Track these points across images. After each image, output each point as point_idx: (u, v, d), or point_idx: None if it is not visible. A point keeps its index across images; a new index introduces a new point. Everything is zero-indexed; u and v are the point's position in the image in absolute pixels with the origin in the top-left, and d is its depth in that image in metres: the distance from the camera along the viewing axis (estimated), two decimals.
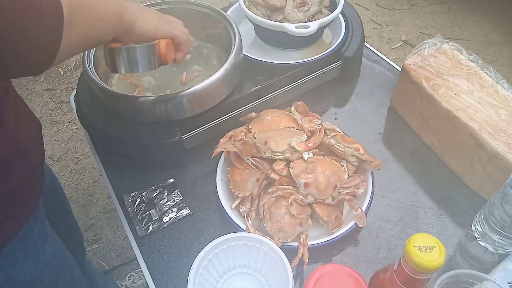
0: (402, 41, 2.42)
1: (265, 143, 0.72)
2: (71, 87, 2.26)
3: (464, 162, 0.76)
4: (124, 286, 1.40)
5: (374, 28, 2.52)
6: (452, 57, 0.80)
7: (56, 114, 2.14)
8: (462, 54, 0.81)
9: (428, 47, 0.81)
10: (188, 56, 0.93)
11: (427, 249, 0.42)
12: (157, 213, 0.75)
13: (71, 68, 2.36)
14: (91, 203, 1.81)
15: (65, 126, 2.08)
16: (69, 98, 0.98)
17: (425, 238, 0.43)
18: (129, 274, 1.48)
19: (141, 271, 1.54)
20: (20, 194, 0.58)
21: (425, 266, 0.41)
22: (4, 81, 0.56)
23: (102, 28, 0.52)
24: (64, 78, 2.31)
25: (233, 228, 0.70)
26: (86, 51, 0.81)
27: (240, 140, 0.74)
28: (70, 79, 2.30)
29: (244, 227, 0.69)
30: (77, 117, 0.88)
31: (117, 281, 1.38)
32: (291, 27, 0.83)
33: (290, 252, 0.65)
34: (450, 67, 0.79)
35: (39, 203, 0.65)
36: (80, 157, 1.96)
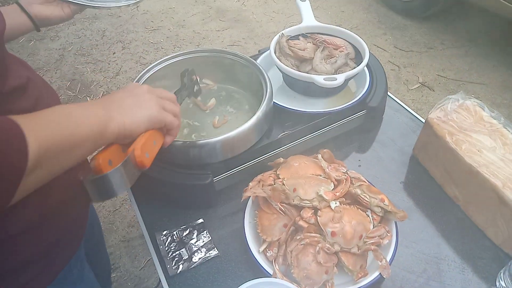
0: (419, 82, 2.47)
1: (294, 190, 0.75)
2: None
3: (487, 217, 0.78)
4: None
5: (392, 69, 2.58)
6: (475, 113, 0.83)
7: None
8: (484, 110, 0.84)
9: (451, 102, 0.84)
10: (212, 100, 0.98)
11: None
12: (187, 253, 0.78)
13: (99, 97, 2.46)
14: (111, 231, 1.84)
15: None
16: None
17: None
18: None
19: None
20: (64, 239, 0.62)
21: None
22: None
23: (74, 158, 0.47)
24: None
25: (259, 271, 0.73)
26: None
27: (269, 185, 0.78)
28: None
29: (270, 271, 0.72)
30: None
31: None
32: (319, 79, 0.88)
33: None
34: (473, 123, 0.82)
35: (80, 244, 0.69)
36: None
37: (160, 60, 0.95)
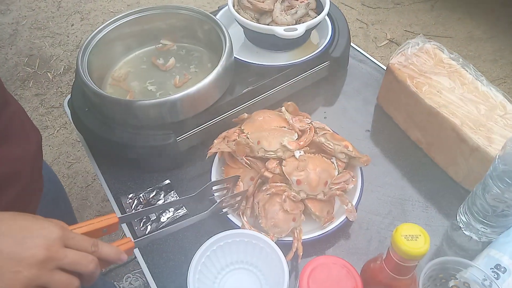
0: (387, 39, 2.47)
1: (258, 142, 0.74)
2: (60, 91, 2.26)
3: (448, 156, 0.80)
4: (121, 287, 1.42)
5: (360, 27, 2.56)
6: (434, 56, 0.84)
7: (47, 119, 2.13)
8: (443, 52, 0.84)
9: (411, 46, 0.84)
10: (171, 59, 0.95)
11: (413, 238, 0.45)
12: (155, 214, 0.77)
13: (60, 72, 2.36)
14: (85, 207, 1.81)
15: (56, 131, 2.08)
16: (62, 103, 0.99)
17: (410, 228, 0.46)
18: (126, 275, 1.50)
19: (138, 272, 1.55)
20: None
21: (412, 253, 0.44)
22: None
23: None
24: (54, 83, 2.30)
25: (229, 226, 0.73)
26: (80, 56, 0.82)
27: (234, 141, 0.77)
28: (60, 83, 2.30)
29: (239, 224, 0.72)
30: (70, 122, 0.90)
31: (114, 282, 1.40)
32: (279, 30, 0.85)
33: (284, 247, 0.68)
34: (432, 65, 0.82)
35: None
36: (72, 161, 1.97)
37: (111, 20, 0.90)
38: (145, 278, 0.71)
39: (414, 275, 0.52)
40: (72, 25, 2.62)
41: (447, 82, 0.79)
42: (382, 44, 2.44)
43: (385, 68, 1.04)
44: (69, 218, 0.94)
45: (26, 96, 2.24)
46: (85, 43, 0.85)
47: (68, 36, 2.55)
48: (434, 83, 0.79)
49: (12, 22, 2.65)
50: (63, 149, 2.01)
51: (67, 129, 2.09)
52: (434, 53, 0.84)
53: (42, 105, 2.20)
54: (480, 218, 0.69)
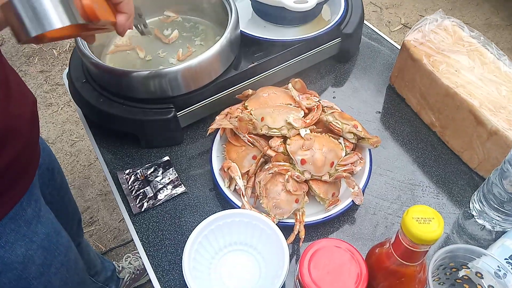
0: (401, 24, 2.39)
1: (262, 119, 0.70)
2: (65, 68, 2.22)
3: (463, 140, 0.75)
4: (121, 267, 1.40)
5: (373, 11, 2.48)
6: (453, 34, 0.78)
7: (51, 96, 2.11)
8: (463, 30, 0.79)
9: (429, 23, 0.79)
10: (175, 32, 0.90)
11: (425, 221, 0.41)
12: (152, 191, 0.74)
13: (66, 49, 2.32)
14: (87, 185, 1.80)
15: (60, 108, 2.06)
16: (62, 76, 0.96)
17: (423, 210, 0.42)
18: (126, 255, 1.48)
19: (138, 252, 1.54)
20: (10, 174, 0.56)
21: (423, 237, 0.41)
22: None
23: None
24: (59, 60, 2.27)
25: (229, 205, 0.70)
26: None
27: (236, 117, 0.73)
28: (65, 60, 2.27)
29: (239, 204, 0.68)
30: (70, 96, 0.87)
31: (113, 262, 1.38)
32: (289, 2, 0.81)
33: (286, 230, 0.65)
34: (451, 43, 0.77)
35: (34, 182, 0.64)
36: (76, 139, 1.95)
37: None
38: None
39: (424, 262, 0.48)
40: None
41: (466, 61, 0.74)
42: (396, 29, 2.36)
43: (398, 47, 0.99)
44: (64, 192, 0.92)
45: (31, 72, 2.21)
46: None
47: None
48: (452, 62, 0.74)
49: None
50: (67, 127, 1.99)
51: (71, 106, 2.06)
52: (453, 30, 0.78)
53: (46, 82, 2.17)
54: (496, 206, 0.65)
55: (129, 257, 1.46)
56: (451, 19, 0.80)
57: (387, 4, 2.51)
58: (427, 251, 0.44)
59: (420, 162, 0.79)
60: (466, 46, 0.76)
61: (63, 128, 1.98)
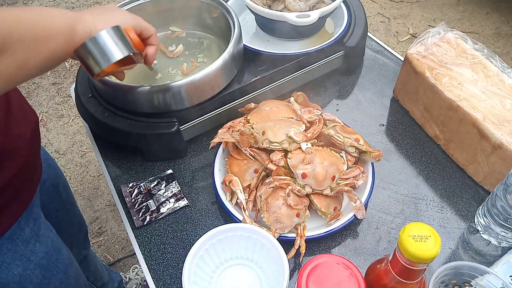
0: (410, 34, 2.38)
1: (263, 133, 0.71)
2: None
3: (467, 154, 0.74)
4: (128, 278, 1.41)
5: (381, 21, 2.48)
6: (457, 46, 0.78)
7: (63, 108, 2.15)
8: (467, 43, 0.79)
9: (432, 36, 0.79)
10: (179, 46, 0.92)
11: (422, 239, 0.41)
12: (155, 204, 0.75)
13: (77, 62, 2.36)
14: (96, 196, 1.82)
15: (71, 120, 2.10)
16: (70, 90, 0.98)
17: (420, 228, 0.42)
18: (133, 266, 1.49)
19: None
20: (7, 193, 0.57)
21: (419, 256, 0.40)
22: None
23: (47, 51, 0.46)
24: (71, 72, 2.32)
25: (230, 219, 0.70)
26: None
27: (238, 131, 0.73)
28: (76, 73, 2.31)
29: (240, 218, 0.69)
30: (76, 109, 0.89)
31: (121, 273, 1.39)
32: (291, 17, 0.81)
33: (287, 244, 0.64)
34: (454, 56, 0.77)
35: (33, 201, 0.64)
36: (86, 150, 1.97)
37: (120, 4, 0.88)
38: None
39: (423, 280, 0.47)
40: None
41: (469, 74, 0.74)
42: (404, 39, 2.35)
43: (401, 58, 0.99)
44: (70, 206, 0.93)
45: (44, 84, 2.26)
46: None
47: None
48: (455, 74, 0.74)
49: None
50: (77, 138, 2.02)
51: (81, 118, 2.10)
52: (456, 43, 0.78)
53: (58, 94, 2.22)
54: (501, 221, 0.64)
55: (136, 268, 1.47)
56: (454, 32, 0.80)
57: (395, 15, 2.51)
58: (425, 269, 0.44)
59: (424, 175, 0.78)
60: (469, 59, 0.76)
61: (73, 139, 2.01)
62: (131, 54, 0.56)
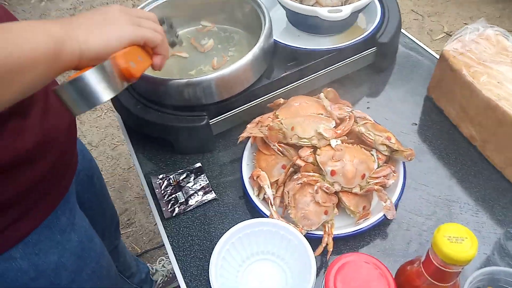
0: (444, 32, 2.30)
1: (292, 128, 0.70)
2: None
3: (506, 156, 0.71)
4: (154, 270, 1.44)
5: (415, 19, 2.41)
6: (497, 43, 0.74)
7: None
8: (508, 40, 0.75)
9: (470, 32, 0.76)
10: (210, 41, 0.92)
11: (458, 240, 0.39)
12: (184, 196, 0.76)
13: None
14: (126, 188, 1.87)
15: (103, 113, 2.16)
16: None
17: (456, 228, 0.40)
18: (160, 258, 1.52)
19: None
20: (45, 183, 0.58)
21: (455, 257, 0.39)
22: None
23: (23, 83, 0.41)
24: None
25: (257, 214, 0.70)
26: None
27: (267, 126, 0.73)
28: None
29: (268, 213, 0.68)
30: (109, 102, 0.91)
31: (148, 264, 1.42)
32: (323, 11, 0.80)
33: (314, 242, 0.64)
34: (494, 53, 0.73)
35: (70, 191, 0.66)
36: (117, 143, 2.03)
37: (149, 1, 0.89)
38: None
39: (457, 284, 0.46)
40: None
41: (510, 72, 0.70)
42: (438, 37, 2.28)
43: (436, 56, 0.96)
44: (103, 198, 0.96)
45: None
46: None
47: None
48: (494, 73, 0.71)
49: (70, 8, 2.78)
50: (109, 131, 2.08)
51: (113, 112, 2.15)
52: (496, 40, 0.75)
53: None
54: None
55: (163, 260, 1.50)
56: (495, 28, 0.76)
57: (429, 12, 2.44)
58: (460, 272, 0.42)
59: (458, 177, 0.76)
60: (510, 57, 0.72)
61: (105, 132, 2.07)
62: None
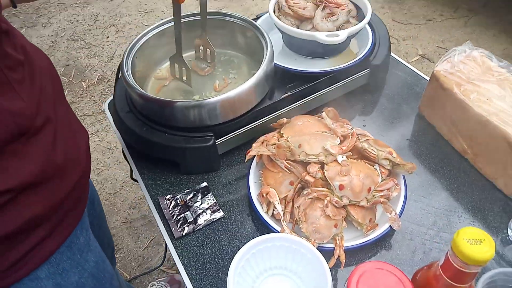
0: (419, 55, 2.43)
1: (299, 146, 0.73)
2: (93, 100, 2.32)
3: (496, 167, 0.76)
4: None
5: (391, 43, 2.53)
6: (482, 64, 0.81)
7: None
8: (492, 60, 0.82)
9: (458, 54, 0.82)
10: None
11: (477, 242, 0.42)
12: (192, 215, 0.76)
13: (94, 82, 2.43)
14: (113, 213, 1.83)
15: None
16: (95, 111, 1.01)
17: (473, 231, 0.43)
18: (151, 283, 1.48)
19: (163, 280, 1.54)
20: (69, 201, 0.60)
21: (476, 258, 0.42)
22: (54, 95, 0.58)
23: None
24: (87, 92, 2.37)
25: (266, 230, 0.71)
26: (124, 59, 0.84)
27: (273, 144, 0.76)
28: (93, 92, 2.36)
29: (277, 229, 0.70)
30: (104, 127, 0.92)
31: None
32: (321, 36, 0.85)
33: (325, 254, 0.65)
34: (480, 73, 0.80)
35: (84, 212, 0.67)
36: (102, 168, 2.00)
37: (155, 25, 0.92)
38: (182, 279, 0.70)
39: (472, 286, 0.49)
40: (107, 37, 2.71)
41: (496, 90, 0.76)
42: (414, 59, 2.40)
43: (425, 77, 1.03)
44: (102, 222, 0.96)
45: None
46: (130, 47, 0.87)
47: (103, 48, 2.64)
48: (482, 90, 0.77)
49: (51, 34, 2.77)
50: (94, 156, 2.04)
51: (98, 136, 2.13)
52: (482, 60, 0.81)
53: (75, 113, 2.25)
54: None
55: (154, 285, 1.47)
56: (479, 50, 0.83)
57: (404, 36, 2.58)
58: (478, 272, 0.45)
59: (453, 188, 0.80)
60: (495, 76, 0.79)
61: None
62: None
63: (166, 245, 1.39)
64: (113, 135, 2.13)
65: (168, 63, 0.92)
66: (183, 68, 0.88)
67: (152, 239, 1.73)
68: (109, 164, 2.02)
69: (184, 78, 0.90)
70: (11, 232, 0.51)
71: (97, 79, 2.44)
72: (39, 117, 0.52)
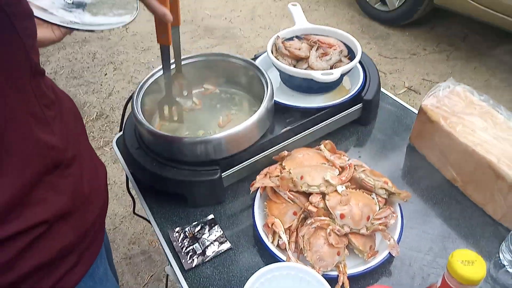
0: (406, 87, 2.55)
1: (301, 178, 0.78)
2: (92, 136, 2.36)
3: (485, 194, 0.82)
4: None
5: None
6: (465, 98, 0.88)
7: None
8: (473, 95, 0.89)
9: (442, 89, 0.89)
10: (197, 100, 1.02)
11: (469, 263, 0.47)
12: (201, 247, 0.80)
13: (92, 118, 2.48)
14: (112, 249, 1.82)
15: None
16: (112, 142, 1.06)
17: (466, 253, 0.48)
18: None
19: None
20: (95, 227, 0.63)
21: (470, 278, 0.46)
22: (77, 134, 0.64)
23: None
24: (86, 128, 2.40)
25: (273, 260, 0.75)
26: (135, 97, 0.90)
27: (276, 176, 0.81)
28: (92, 128, 2.41)
29: (283, 258, 0.74)
30: (121, 159, 0.96)
31: None
32: (317, 74, 0.92)
33: (329, 282, 0.69)
34: (464, 106, 0.87)
35: (103, 241, 0.70)
36: None
37: (160, 68, 0.98)
38: None
39: None
40: (105, 74, 2.79)
41: (479, 122, 0.83)
42: (401, 92, 2.51)
43: (413, 110, 1.10)
44: (110, 255, 0.98)
45: None
46: (140, 86, 0.93)
47: (101, 85, 2.71)
48: (467, 123, 0.83)
49: (50, 72, 2.84)
50: None
51: None
52: (464, 95, 0.89)
53: None
54: None
55: None
56: (462, 85, 0.91)
57: (390, 70, 2.70)
58: None
59: (446, 215, 0.85)
60: (477, 109, 0.86)
61: None
62: None
63: (167, 281, 1.40)
64: (111, 170, 2.16)
65: None
66: (173, 108, 0.90)
67: (152, 275, 1.72)
68: (109, 199, 2.03)
69: (175, 118, 0.91)
70: (47, 261, 0.54)
71: (96, 115, 2.49)
72: (69, 151, 0.56)
